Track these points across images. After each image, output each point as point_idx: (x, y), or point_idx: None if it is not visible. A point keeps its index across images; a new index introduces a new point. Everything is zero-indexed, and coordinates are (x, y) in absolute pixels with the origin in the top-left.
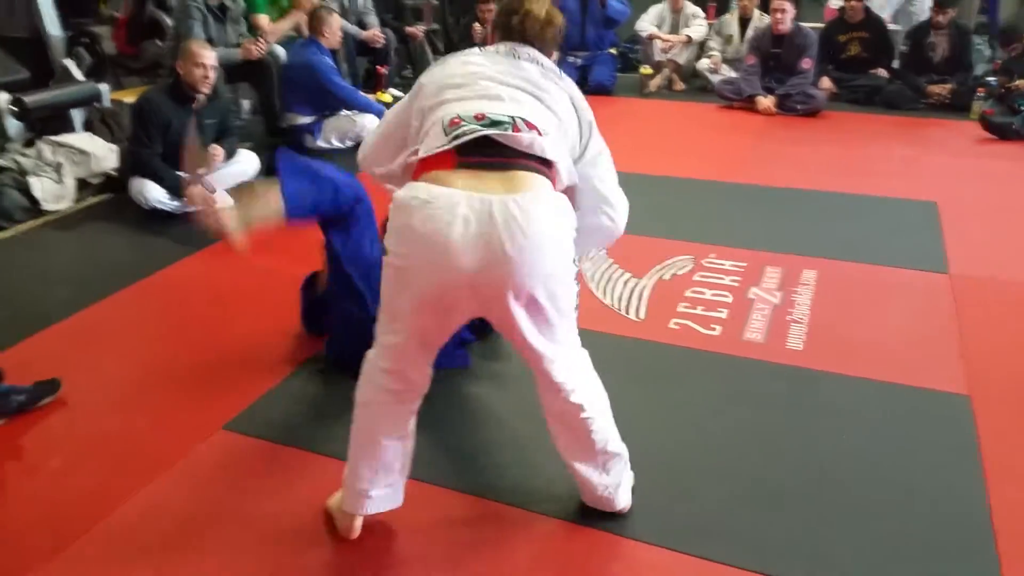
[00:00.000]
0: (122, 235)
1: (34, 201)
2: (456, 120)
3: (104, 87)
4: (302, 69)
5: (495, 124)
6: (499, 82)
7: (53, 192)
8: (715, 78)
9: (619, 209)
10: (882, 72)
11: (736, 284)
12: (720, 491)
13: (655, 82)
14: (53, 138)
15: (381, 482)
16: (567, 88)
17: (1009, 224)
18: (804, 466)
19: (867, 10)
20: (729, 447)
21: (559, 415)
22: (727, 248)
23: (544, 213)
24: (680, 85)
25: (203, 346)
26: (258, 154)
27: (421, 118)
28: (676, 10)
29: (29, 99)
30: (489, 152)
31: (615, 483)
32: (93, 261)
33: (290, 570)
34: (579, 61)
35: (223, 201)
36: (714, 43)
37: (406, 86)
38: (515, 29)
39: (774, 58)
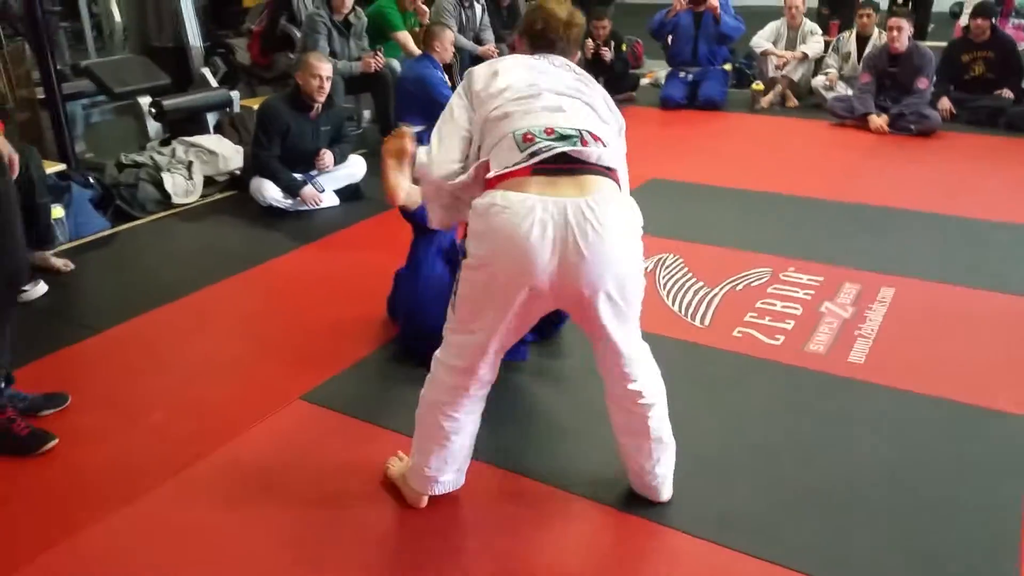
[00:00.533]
0: (240, 228)
1: (166, 195)
2: (529, 136)
3: (235, 94)
4: (414, 81)
5: (564, 138)
6: (556, 92)
7: (183, 187)
8: (830, 95)
9: None
10: (1007, 93)
11: (809, 297)
12: (758, 491)
13: (767, 98)
14: (187, 139)
15: (449, 470)
16: (601, 92)
17: None
18: (842, 472)
19: (994, 28)
20: (772, 450)
21: (620, 400)
22: (809, 263)
23: (614, 212)
24: (793, 102)
25: (296, 326)
26: (375, 158)
27: (483, 125)
28: (793, 27)
29: (167, 103)
30: (561, 161)
31: (664, 473)
32: (213, 249)
33: (348, 525)
34: (690, 76)
35: (330, 201)
36: (831, 60)
37: None
38: (540, 35)
39: (890, 77)
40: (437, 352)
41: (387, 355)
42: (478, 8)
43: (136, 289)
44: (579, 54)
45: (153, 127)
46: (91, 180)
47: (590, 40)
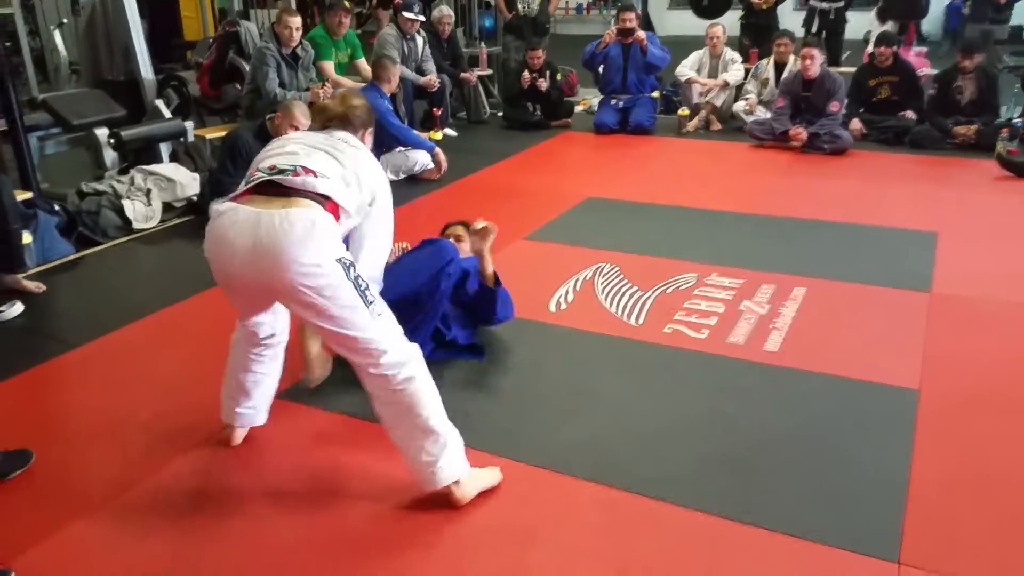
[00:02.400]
0: (198, 250)
1: (127, 220)
2: (254, 172)
3: (189, 124)
4: None
5: (280, 172)
6: (301, 144)
7: (143, 213)
8: (749, 119)
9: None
10: (910, 114)
11: (730, 298)
12: (686, 455)
13: (692, 123)
14: (144, 167)
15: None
16: (361, 156)
17: (1002, 250)
18: (756, 437)
19: (896, 55)
20: (696, 422)
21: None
22: (730, 268)
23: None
24: (717, 126)
25: None
26: None
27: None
28: (715, 55)
29: (124, 133)
30: (274, 189)
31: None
32: (175, 270)
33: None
34: (621, 103)
35: None
36: (751, 86)
37: (459, 126)
38: (325, 120)
39: (804, 101)
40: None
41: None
42: (419, 40)
43: (106, 308)
44: (364, 132)
45: (110, 156)
46: (56, 207)
47: (527, 71)
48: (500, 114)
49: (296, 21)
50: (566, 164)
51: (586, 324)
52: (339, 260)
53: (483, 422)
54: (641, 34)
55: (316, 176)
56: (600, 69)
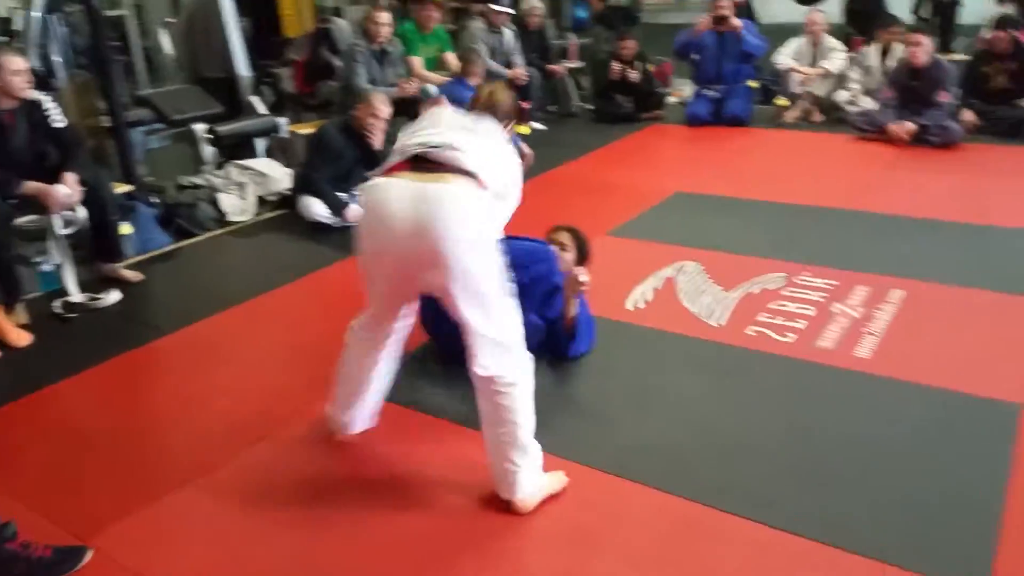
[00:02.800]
0: (289, 242)
1: (221, 213)
2: (405, 145)
3: (282, 120)
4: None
5: (434, 147)
6: (449, 123)
7: (237, 206)
8: (853, 109)
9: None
10: None
11: (822, 299)
12: (764, 466)
13: (791, 114)
14: (240, 162)
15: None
16: (503, 148)
17: None
18: (840, 449)
19: (1016, 40)
20: (775, 430)
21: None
22: (824, 268)
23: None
24: (818, 117)
25: (339, 329)
26: None
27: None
28: (815, 43)
29: (220, 129)
30: (426, 164)
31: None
32: (265, 262)
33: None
34: (715, 94)
35: None
36: (854, 74)
37: (548, 119)
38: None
39: (911, 91)
40: None
41: (419, 354)
42: (508, 34)
43: (199, 296)
44: (507, 125)
45: (208, 152)
46: (155, 200)
47: (616, 62)
48: (590, 107)
49: (385, 17)
50: (655, 157)
51: (663, 324)
52: (495, 238)
53: (549, 422)
54: (736, 22)
55: (465, 154)
56: (694, 58)
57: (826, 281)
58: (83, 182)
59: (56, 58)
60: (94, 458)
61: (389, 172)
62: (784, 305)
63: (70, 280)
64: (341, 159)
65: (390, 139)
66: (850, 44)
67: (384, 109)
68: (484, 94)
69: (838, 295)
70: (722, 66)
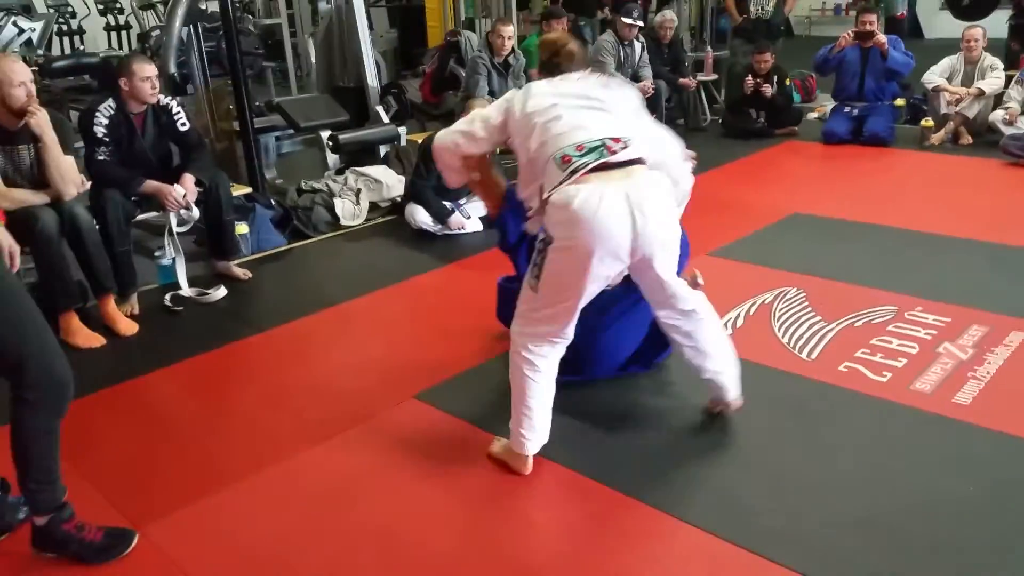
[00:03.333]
0: (394, 248)
1: (336, 218)
2: (567, 157)
3: (402, 129)
4: None
5: (592, 151)
6: (574, 108)
7: (351, 211)
8: (1008, 131)
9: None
10: None
11: (929, 337)
12: (830, 515)
13: (938, 135)
14: (358, 168)
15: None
16: (615, 89)
17: None
18: (919, 505)
19: None
20: (852, 477)
21: (675, 321)
22: (939, 303)
23: (655, 191)
24: (967, 139)
25: (425, 334)
26: None
27: (525, 142)
28: (971, 61)
29: (341, 137)
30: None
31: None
32: (369, 266)
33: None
34: (855, 111)
35: (474, 227)
36: (1014, 92)
37: (675, 133)
38: (555, 64)
39: None
40: (518, 327)
41: (499, 364)
42: (637, 46)
43: (300, 297)
44: (586, 65)
45: (331, 157)
46: (273, 202)
47: (750, 76)
48: (721, 121)
49: (509, 31)
50: (780, 175)
51: (748, 353)
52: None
53: (585, 439)
54: (882, 37)
55: (626, 145)
56: (834, 75)
57: (938, 318)
58: (201, 183)
59: (189, 67)
60: (167, 447)
61: (577, 181)
62: (887, 341)
63: (181, 275)
64: None
65: None
66: (1013, 62)
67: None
68: (564, 46)
69: (948, 333)
70: (864, 83)
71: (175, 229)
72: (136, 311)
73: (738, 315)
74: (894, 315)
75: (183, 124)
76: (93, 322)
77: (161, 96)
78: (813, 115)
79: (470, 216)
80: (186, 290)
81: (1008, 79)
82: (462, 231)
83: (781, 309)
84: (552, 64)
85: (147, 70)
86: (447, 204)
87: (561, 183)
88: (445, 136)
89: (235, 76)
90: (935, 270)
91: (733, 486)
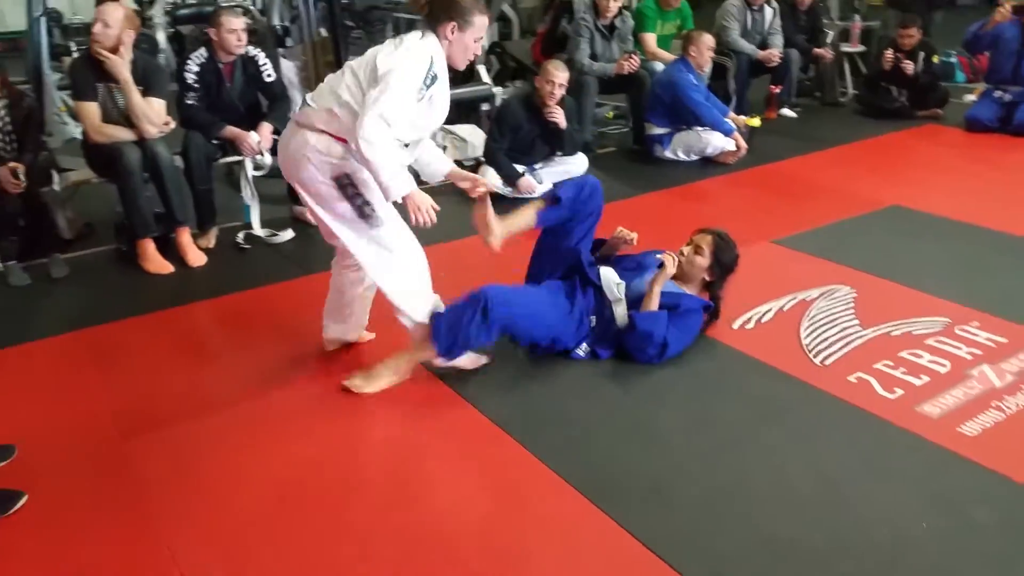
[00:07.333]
0: (459, 206)
1: (416, 174)
2: None
3: (497, 90)
4: (664, 84)
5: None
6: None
7: None
8: None
9: None
10: None
11: (970, 357)
12: (767, 537)
13: None
14: (447, 127)
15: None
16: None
17: None
18: (881, 541)
19: None
20: (810, 498)
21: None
22: (1001, 320)
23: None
24: None
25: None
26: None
27: None
28: None
29: None
30: None
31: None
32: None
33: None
34: (1007, 96)
35: (545, 190)
36: None
37: (807, 108)
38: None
39: None
40: None
41: None
42: (768, 12)
43: None
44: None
45: None
46: None
47: (890, 50)
48: (855, 96)
49: None
50: (901, 163)
51: (757, 352)
52: None
53: (585, 444)
54: None
55: (307, 103)
56: (986, 54)
57: (991, 336)
58: (277, 132)
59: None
60: (183, 374)
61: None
62: (918, 355)
63: (255, 216)
64: (519, 131)
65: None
66: None
67: (559, 75)
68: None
69: (994, 356)
70: (1021, 65)
71: (250, 173)
72: (211, 245)
73: (769, 310)
74: (942, 328)
75: (268, 76)
76: (171, 251)
77: (250, 48)
78: (971, 97)
79: (543, 181)
80: (257, 230)
81: None
82: (532, 195)
83: (820, 308)
84: None
85: (234, 23)
86: (519, 167)
87: None
88: None
89: (333, 28)
90: (1017, 283)
91: (657, 476)
